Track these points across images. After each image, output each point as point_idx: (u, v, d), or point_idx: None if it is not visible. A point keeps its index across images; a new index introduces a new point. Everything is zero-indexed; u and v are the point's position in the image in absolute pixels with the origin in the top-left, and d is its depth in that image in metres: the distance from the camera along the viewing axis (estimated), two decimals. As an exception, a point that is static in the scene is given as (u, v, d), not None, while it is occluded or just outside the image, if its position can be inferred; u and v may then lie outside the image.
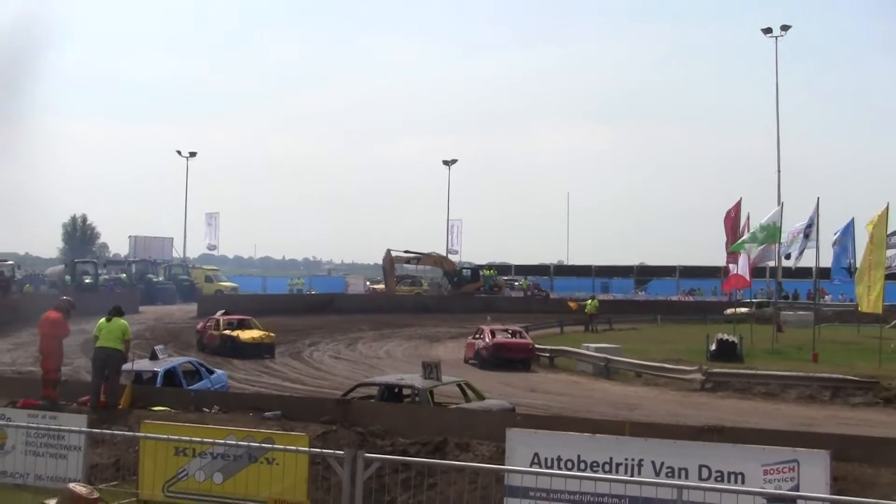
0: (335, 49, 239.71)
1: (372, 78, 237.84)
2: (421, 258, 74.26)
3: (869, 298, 35.12)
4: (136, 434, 12.82)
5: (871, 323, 38.94)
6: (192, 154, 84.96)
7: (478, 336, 36.45)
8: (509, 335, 36.38)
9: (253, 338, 35.92)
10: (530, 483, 10.86)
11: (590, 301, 54.36)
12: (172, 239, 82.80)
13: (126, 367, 17.85)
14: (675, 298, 75.64)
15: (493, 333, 35.77)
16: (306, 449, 11.54)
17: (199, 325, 39.45)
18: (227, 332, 36.13)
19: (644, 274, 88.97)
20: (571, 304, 58.98)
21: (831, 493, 10.36)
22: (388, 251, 70.57)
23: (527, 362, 34.90)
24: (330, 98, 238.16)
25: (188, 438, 12.02)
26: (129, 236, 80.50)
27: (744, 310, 51.12)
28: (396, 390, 18.94)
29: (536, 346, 37.20)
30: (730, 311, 52.90)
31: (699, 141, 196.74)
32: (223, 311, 39.80)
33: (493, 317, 44.45)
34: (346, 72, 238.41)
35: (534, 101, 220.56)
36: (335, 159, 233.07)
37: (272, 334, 37.06)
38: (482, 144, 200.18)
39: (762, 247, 42.20)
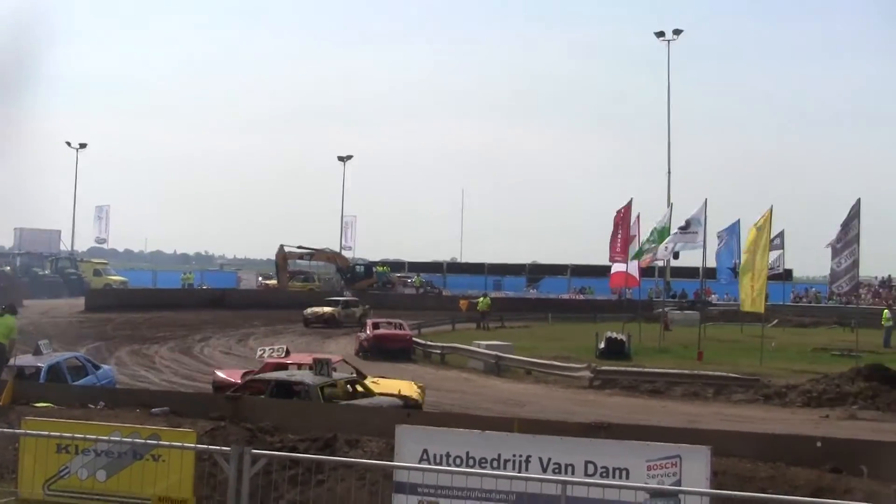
0: (230, 41, 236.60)
1: (266, 71, 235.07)
2: (314, 254, 73.96)
3: (752, 298, 36.13)
4: (16, 431, 12.48)
5: (754, 322, 40.03)
6: (83, 145, 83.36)
7: (362, 329, 38.91)
8: (391, 328, 38.49)
9: None
10: (418, 479, 10.90)
11: (482, 299, 54.74)
12: (60, 231, 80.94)
13: (10, 363, 17.41)
14: (566, 297, 76.54)
15: (374, 326, 38.15)
16: (192, 445, 11.42)
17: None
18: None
19: (536, 272, 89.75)
20: (462, 303, 59.13)
21: (711, 488, 10.64)
22: (282, 246, 70.23)
23: (406, 352, 36.95)
24: (224, 90, 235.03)
25: (70, 435, 11.76)
26: (14, 228, 78.34)
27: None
28: (287, 386, 18.87)
29: (428, 342, 38.03)
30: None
31: (592, 140, 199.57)
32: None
33: (386, 314, 44.68)
34: (240, 64, 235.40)
35: (429, 97, 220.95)
36: (229, 153, 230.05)
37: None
38: (377, 140, 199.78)
39: (655, 248, 43.11)
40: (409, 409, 18.49)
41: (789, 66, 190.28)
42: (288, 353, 23.59)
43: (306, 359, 21.30)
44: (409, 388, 21.60)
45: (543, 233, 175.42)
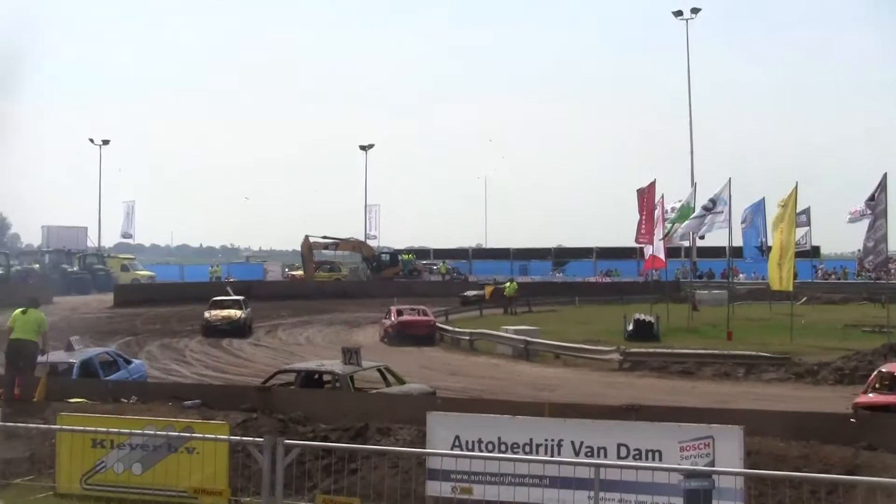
0: (247, 30, 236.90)
1: (283, 60, 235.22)
2: (339, 244, 74.02)
3: (780, 276, 35.93)
4: (52, 427, 12.59)
5: (783, 300, 39.81)
6: (106, 142, 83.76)
7: (387, 316, 39.45)
8: (414, 314, 39.45)
9: None
10: (451, 466, 10.94)
11: (508, 284, 54.67)
12: (86, 228, 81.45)
13: (41, 359, 17.53)
14: (592, 279, 76.43)
15: (398, 312, 38.92)
16: (226, 437, 11.49)
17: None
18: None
19: (562, 256, 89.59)
20: (487, 289, 59.10)
21: (745, 468, 10.62)
22: (307, 237, 70.26)
23: (429, 338, 37.69)
24: (243, 82, 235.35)
25: (105, 430, 11.86)
26: (43, 226, 78.90)
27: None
28: (317, 376, 18.94)
29: (456, 329, 38.39)
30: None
31: (614, 121, 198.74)
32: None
33: (413, 301, 44.91)
34: (259, 54, 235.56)
35: (449, 81, 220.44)
36: (250, 144, 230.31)
37: None
38: (399, 127, 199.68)
39: (678, 226, 43.02)
40: (440, 397, 18.55)
41: (812, 37, 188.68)
42: None
43: None
44: None
45: (568, 216, 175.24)
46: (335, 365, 18.98)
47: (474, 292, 50.60)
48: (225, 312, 39.38)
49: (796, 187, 35.75)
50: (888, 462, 11.88)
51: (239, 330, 38.50)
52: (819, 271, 71.50)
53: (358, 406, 15.93)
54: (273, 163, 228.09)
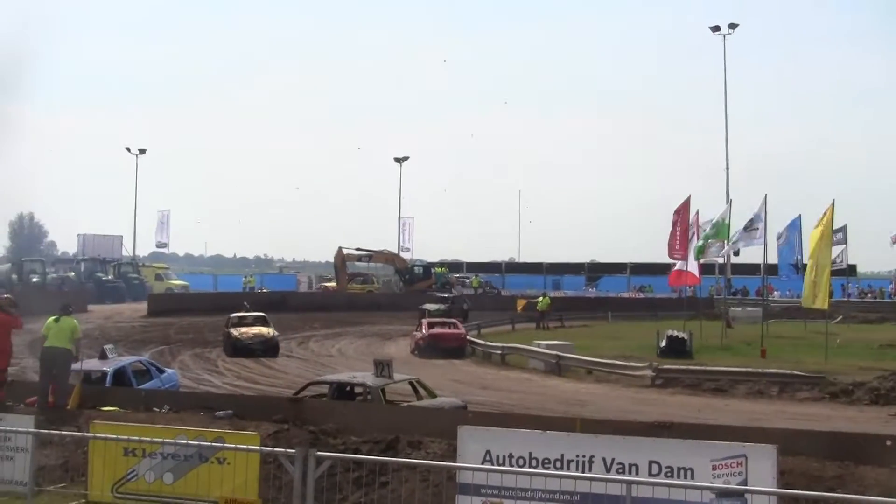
0: (283, 41, 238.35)
1: (319, 70, 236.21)
2: (373, 255, 74.31)
3: (815, 294, 35.65)
4: (85, 434, 12.68)
5: (818, 318, 39.49)
6: (142, 151, 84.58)
7: (418, 328, 40.08)
8: (445, 327, 39.85)
9: None
10: (482, 480, 10.89)
11: (541, 298, 54.65)
12: (122, 237, 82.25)
13: (75, 366, 17.65)
14: (625, 295, 76.17)
15: (429, 325, 39.52)
16: (257, 448, 11.53)
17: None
18: None
19: (595, 271, 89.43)
20: (520, 302, 59.09)
21: (778, 487, 10.51)
22: (340, 249, 70.57)
23: (459, 351, 38.17)
24: (277, 93, 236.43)
25: (138, 438, 11.94)
26: (78, 234, 79.83)
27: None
28: (348, 388, 18.95)
29: (488, 343, 38.40)
30: None
31: (649, 137, 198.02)
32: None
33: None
34: (294, 63, 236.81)
35: (482, 94, 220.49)
36: (285, 154, 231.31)
37: None
38: (433, 140, 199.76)
39: (713, 242, 42.82)
40: (471, 411, 18.49)
41: (849, 54, 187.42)
42: None
43: None
44: None
45: (602, 231, 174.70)
46: (367, 377, 18.97)
47: (436, 306, 50.44)
48: (255, 330, 37.04)
49: (833, 205, 35.51)
50: (924, 484, 11.73)
51: (273, 349, 36.42)
52: (846, 290, 70.59)
53: (389, 419, 15.90)
54: (308, 173, 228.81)
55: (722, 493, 9.54)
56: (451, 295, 57.72)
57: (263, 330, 37.30)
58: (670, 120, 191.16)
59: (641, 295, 76.00)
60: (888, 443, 13.28)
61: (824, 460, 12.63)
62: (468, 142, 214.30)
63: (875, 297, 69.90)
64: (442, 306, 51.10)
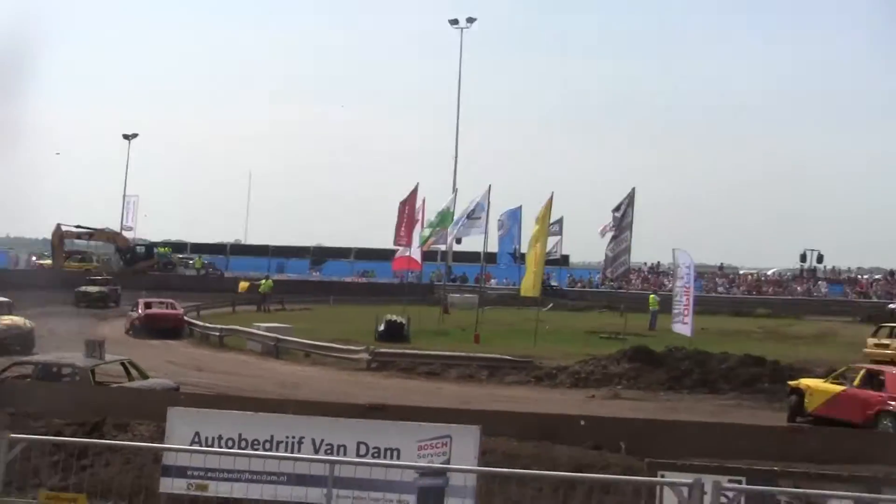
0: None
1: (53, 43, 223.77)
2: (93, 233, 71.78)
3: (529, 283, 37.25)
4: None
5: (532, 306, 41.24)
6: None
7: (134, 308, 39.75)
8: (162, 307, 39.67)
9: None
10: (186, 462, 10.77)
11: (264, 281, 54.40)
12: None
13: None
14: (349, 279, 76.85)
15: (146, 305, 39.30)
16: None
17: None
18: None
19: (320, 255, 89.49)
20: (242, 285, 58.60)
21: (479, 465, 10.95)
22: (58, 225, 67.66)
23: (177, 332, 37.74)
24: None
25: None
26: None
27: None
28: (55, 369, 18.24)
29: (206, 324, 38.14)
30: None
31: (379, 125, 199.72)
32: None
33: (169, 296, 44.05)
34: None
35: (219, 77, 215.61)
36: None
37: None
38: (164, 118, 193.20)
39: (438, 231, 43.94)
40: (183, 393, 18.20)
41: (573, 59, 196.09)
42: None
43: None
44: None
45: (329, 216, 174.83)
46: (76, 358, 18.34)
47: (97, 288, 50.01)
48: (8, 320, 30.86)
49: (552, 197, 37.12)
50: (610, 460, 12.58)
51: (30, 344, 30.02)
52: (550, 279, 73.48)
53: (97, 400, 15.52)
54: (27, 144, 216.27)
55: (423, 472, 9.84)
56: (105, 277, 56.17)
57: (17, 320, 31.41)
58: (402, 109, 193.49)
59: (364, 280, 76.87)
60: (582, 423, 14.16)
61: (524, 440, 13.31)
62: (199, 123, 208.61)
63: (583, 287, 73.60)
64: (103, 289, 51.14)
